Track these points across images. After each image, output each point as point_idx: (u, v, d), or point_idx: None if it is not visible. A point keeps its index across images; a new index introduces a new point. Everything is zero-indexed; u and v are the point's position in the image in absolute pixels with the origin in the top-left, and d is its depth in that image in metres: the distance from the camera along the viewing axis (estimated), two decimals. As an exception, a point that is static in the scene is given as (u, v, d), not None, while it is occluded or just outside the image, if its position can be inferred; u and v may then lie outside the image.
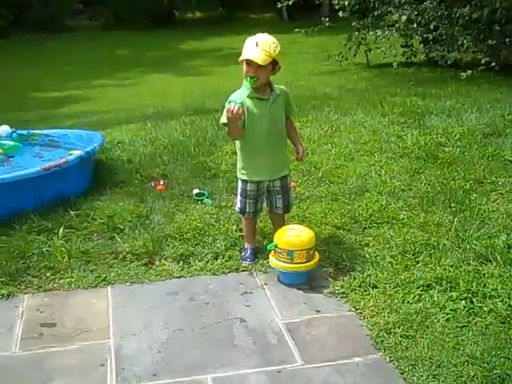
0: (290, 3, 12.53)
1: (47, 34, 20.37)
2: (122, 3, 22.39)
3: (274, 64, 3.58)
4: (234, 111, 3.44)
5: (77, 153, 4.88)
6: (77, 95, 11.94)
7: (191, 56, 16.65)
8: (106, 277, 3.71)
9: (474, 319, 3.12)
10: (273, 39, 3.57)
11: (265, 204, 3.97)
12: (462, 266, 3.56)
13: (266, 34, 3.60)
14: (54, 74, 14.51)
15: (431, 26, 10.34)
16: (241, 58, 3.55)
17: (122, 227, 4.26)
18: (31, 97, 12.06)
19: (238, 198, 3.91)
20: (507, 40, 9.31)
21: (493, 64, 9.07)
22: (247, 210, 3.87)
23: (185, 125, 6.98)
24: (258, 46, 3.50)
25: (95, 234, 4.21)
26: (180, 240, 4.07)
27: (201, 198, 4.71)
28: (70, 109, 10.61)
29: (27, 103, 11.19)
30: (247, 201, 3.84)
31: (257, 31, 3.68)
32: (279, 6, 14.03)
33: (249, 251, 3.92)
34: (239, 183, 3.88)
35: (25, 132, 5.73)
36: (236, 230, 4.14)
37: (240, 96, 3.53)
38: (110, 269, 3.80)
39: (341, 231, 4.15)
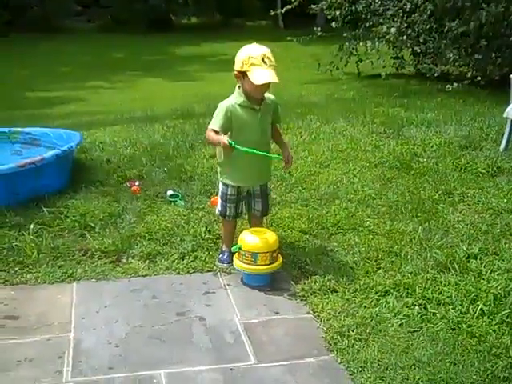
0: (283, 11, 12.69)
1: (45, 33, 20.44)
2: (119, 6, 22.55)
3: None
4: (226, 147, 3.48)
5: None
6: (70, 96, 11.95)
7: (185, 61, 16.72)
8: (72, 273, 3.78)
9: (426, 325, 3.19)
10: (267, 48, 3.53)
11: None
12: (420, 274, 3.63)
13: (260, 46, 3.52)
14: (49, 75, 14.53)
15: (421, 39, 10.48)
16: (261, 82, 3.42)
17: (93, 225, 4.33)
18: (24, 96, 12.05)
19: (219, 201, 3.93)
20: (493, 55, 9.42)
21: (478, 78, 9.17)
22: (227, 213, 3.89)
23: (167, 128, 7.06)
24: (267, 64, 3.44)
25: (66, 231, 4.27)
26: (149, 239, 4.14)
27: (174, 199, 4.78)
28: (61, 109, 10.61)
29: (20, 102, 11.17)
30: (227, 204, 3.86)
31: (252, 38, 3.70)
32: (272, 13, 14.16)
33: (226, 254, 3.93)
34: (220, 186, 3.89)
35: (6, 130, 5.77)
36: (205, 232, 4.21)
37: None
38: (77, 265, 3.87)
39: (307, 236, 4.22)
